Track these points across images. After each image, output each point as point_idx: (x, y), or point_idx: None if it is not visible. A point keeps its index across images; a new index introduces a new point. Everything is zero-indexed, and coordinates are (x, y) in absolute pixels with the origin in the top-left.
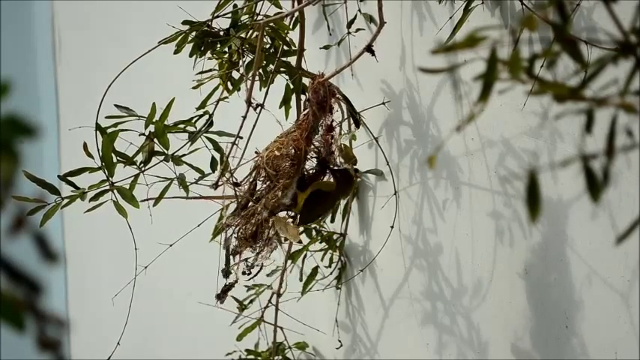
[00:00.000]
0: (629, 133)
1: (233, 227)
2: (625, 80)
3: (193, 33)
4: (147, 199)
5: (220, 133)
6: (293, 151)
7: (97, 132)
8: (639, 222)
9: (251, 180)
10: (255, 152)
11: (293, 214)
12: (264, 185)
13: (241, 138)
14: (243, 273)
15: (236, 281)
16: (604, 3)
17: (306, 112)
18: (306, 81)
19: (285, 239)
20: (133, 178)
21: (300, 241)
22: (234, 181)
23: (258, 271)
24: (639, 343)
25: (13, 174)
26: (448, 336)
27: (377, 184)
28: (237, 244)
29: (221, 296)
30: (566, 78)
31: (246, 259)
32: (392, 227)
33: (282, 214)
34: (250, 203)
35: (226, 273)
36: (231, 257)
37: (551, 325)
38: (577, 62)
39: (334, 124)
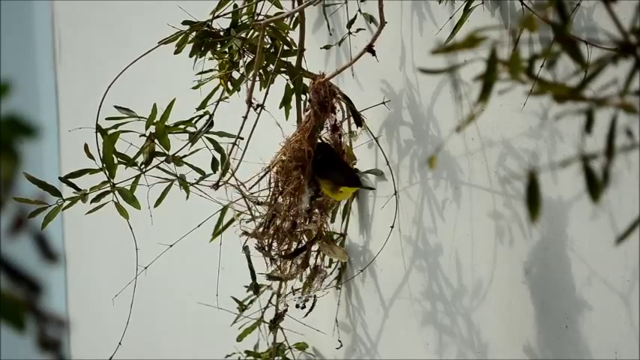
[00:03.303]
0: (629, 133)
1: (262, 244)
2: (625, 80)
3: (194, 33)
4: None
5: (221, 134)
6: (298, 153)
7: (98, 133)
8: (639, 222)
9: (271, 195)
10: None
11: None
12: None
13: (242, 139)
14: (297, 306)
15: (286, 310)
16: (604, 3)
17: (307, 112)
18: (306, 81)
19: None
20: (133, 179)
21: (346, 260)
22: (237, 183)
23: (313, 304)
24: (639, 343)
25: (13, 174)
26: (448, 336)
27: (377, 184)
28: (275, 267)
29: (274, 326)
30: (566, 78)
31: (293, 290)
32: (392, 227)
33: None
34: (278, 221)
35: (256, 289)
36: (271, 281)
37: (551, 325)
38: (577, 62)
39: (337, 123)
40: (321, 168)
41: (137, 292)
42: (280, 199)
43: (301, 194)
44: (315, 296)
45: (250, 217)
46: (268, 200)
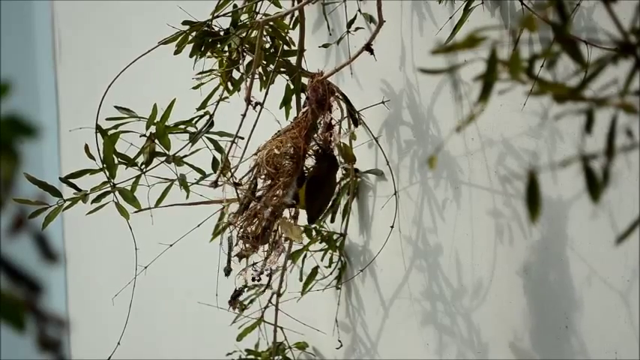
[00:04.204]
0: (629, 133)
1: (235, 226)
2: (625, 80)
3: (193, 33)
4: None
5: (221, 134)
6: (292, 149)
7: (98, 133)
8: (639, 222)
9: (252, 179)
10: (256, 152)
11: (294, 213)
12: (265, 184)
13: (242, 138)
14: (253, 279)
15: (245, 286)
16: (604, 3)
17: (304, 110)
18: (305, 80)
19: (288, 240)
20: (134, 180)
21: (301, 242)
22: (235, 180)
23: (270, 277)
24: (639, 343)
25: (13, 174)
26: (448, 336)
27: (377, 184)
28: (242, 247)
29: (232, 302)
30: (566, 78)
31: (254, 264)
32: (392, 227)
33: (286, 213)
34: (252, 203)
35: (227, 271)
36: (235, 259)
37: (551, 325)
38: (577, 62)
39: (333, 122)
40: (315, 181)
41: (137, 292)
42: (260, 184)
43: (288, 188)
44: (271, 269)
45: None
46: (248, 183)
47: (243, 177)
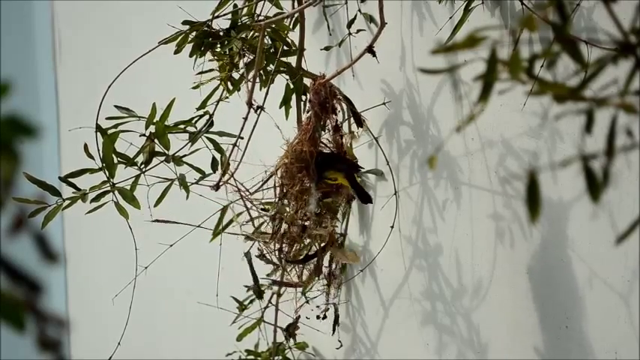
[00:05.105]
0: (629, 133)
1: (268, 248)
2: (625, 80)
3: (193, 33)
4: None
5: (221, 134)
6: (301, 155)
7: (98, 132)
8: (639, 222)
9: (277, 201)
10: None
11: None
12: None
13: (242, 139)
14: (318, 317)
15: (298, 318)
16: (604, 3)
17: (308, 114)
18: (306, 81)
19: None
20: (133, 179)
21: (359, 262)
22: (237, 185)
23: (337, 315)
24: (639, 343)
25: (13, 174)
26: (448, 336)
27: (377, 184)
28: (280, 273)
29: (289, 333)
30: (566, 78)
31: (307, 300)
32: (392, 227)
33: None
34: (284, 226)
35: (259, 293)
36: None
37: (551, 325)
38: (577, 62)
39: (339, 124)
40: (324, 166)
41: (137, 292)
42: (285, 202)
43: (308, 196)
44: (335, 305)
45: (249, 218)
46: (275, 205)
47: (256, 191)
